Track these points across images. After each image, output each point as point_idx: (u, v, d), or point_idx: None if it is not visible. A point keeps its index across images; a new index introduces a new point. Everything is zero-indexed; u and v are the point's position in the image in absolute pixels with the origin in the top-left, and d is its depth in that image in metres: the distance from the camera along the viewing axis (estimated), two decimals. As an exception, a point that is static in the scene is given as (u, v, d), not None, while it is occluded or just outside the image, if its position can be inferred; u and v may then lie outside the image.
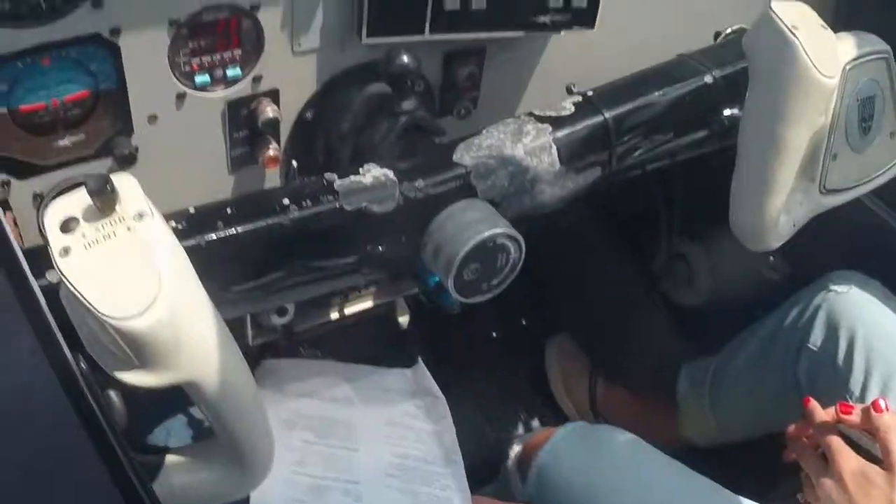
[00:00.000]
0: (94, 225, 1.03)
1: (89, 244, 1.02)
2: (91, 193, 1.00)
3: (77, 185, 1.42)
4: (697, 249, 2.34)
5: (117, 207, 1.03)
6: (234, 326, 1.73)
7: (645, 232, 2.41)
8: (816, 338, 1.86)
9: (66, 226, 1.03)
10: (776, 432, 1.65)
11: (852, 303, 1.85)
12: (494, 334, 2.56)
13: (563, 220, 1.67)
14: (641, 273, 2.45)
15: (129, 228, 1.02)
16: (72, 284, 0.99)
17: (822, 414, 1.52)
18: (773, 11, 1.42)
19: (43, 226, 1.05)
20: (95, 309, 0.98)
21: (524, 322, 2.60)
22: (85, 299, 0.98)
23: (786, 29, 1.41)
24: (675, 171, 1.85)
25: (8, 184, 1.43)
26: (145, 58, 1.42)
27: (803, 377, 1.88)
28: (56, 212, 1.05)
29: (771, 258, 2.17)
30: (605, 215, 2.42)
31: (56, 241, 1.02)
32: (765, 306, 2.07)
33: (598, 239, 2.48)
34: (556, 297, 2.54)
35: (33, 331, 0.98)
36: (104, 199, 1.01)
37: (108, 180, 1.00)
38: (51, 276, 1.17)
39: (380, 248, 1.44)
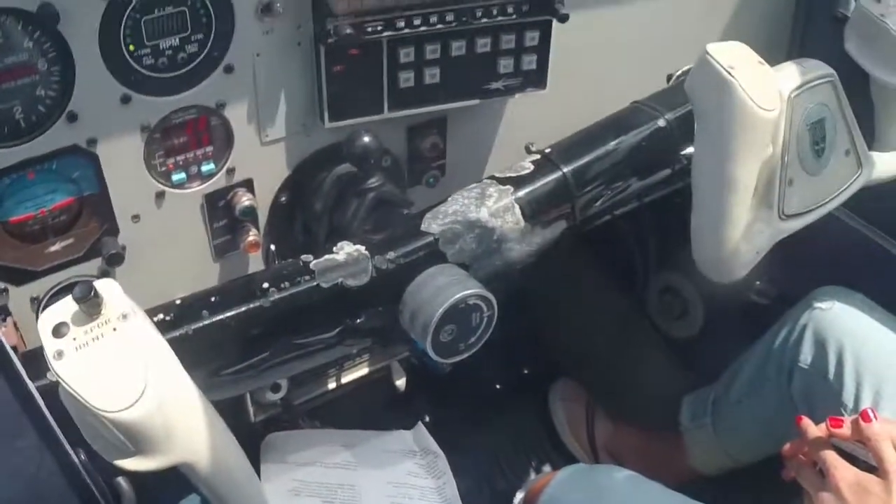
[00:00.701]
0: (82, 328, 1.10)
1: (80, 346, 1.09)
2: (77, 301, 1.07)
3: (70, 286, 1.51)
4: (686, 282, 2.38)
5: (103, 310, 1.10)
6: (236, 405, 1.81)
7: (634, 269, 2.44)
8: (806, 356, 1.89)
9: (58, 331, 1.10)
10: (780, 453, 1.66)
11: (837, 318, 1.88)
12: (498, 386, 2.59)
13: (551, 266, 1.71)
14: (635, 310, 2.48)
15: (114, 329, 1.09)
16: (68, 384, 1.06)
17: (815, 430, 1.54)
18: (709, 54, 1.47)
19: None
20: (90, 404, 1.05)
21: (525, 371, 2.63)
22: (80, 396, 1.05)
23: (722, 70, 1.46)
24: (648, 210, 1.88)
25: (6, 291, 1.51)
26: (123, 163, 1.51)
27: (798, 396, 1.91)
28: (48, 318, 1.12)
29: (757, 283, 2.20)
30: (594, 257, 2.45)
31: (50, 345, 1.09)
32: (757, 331, 2.09)
33: (590, 281, 2.51)
34: (555, 342, 2.57)
35: (35, 431, 1.05)
36: (90, 305, 1.08)
37: (92, 288, 1.07)
38: (51, 375, 1.21)
39: (359, 319, 1.50)
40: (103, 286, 1.11)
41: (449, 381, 2.32)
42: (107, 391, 1.06)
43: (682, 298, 2.45)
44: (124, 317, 1.10)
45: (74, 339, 1.10)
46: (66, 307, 1.12)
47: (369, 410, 2.12)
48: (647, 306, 2.48)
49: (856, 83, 1.75)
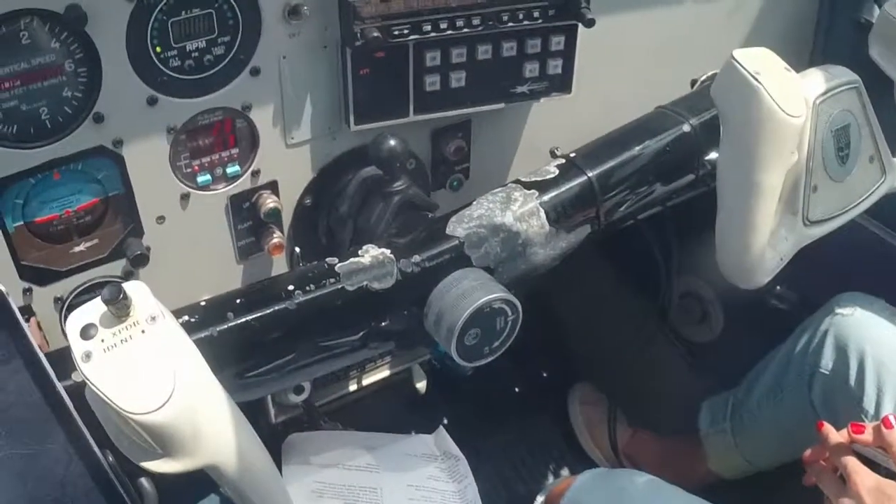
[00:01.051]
0: (111, 330, 1.10)
1: (108, 348, 1.09)
2: (106, 303, 1.08)
3: (94, 286, 1.52)
4: (706, 286, 2.38)
5: (131, 312, 1.10)
6: (258, 406, 1.81)
7: (654, 274, 2.44)
8: (827, 362, 1.89)
9: (86, 332, 1.10)
10: (800, 458, 1.66)
11: (858, 324, 1.88)
12: (517, 389, 2.60)
13: (572, 270, 1.71)
14: (656, 314, 2.48)
15: (143, 331, 1.09)
16: (95, 386, 1.07)
17: (836, 436, 1.54)
18: (736, 59, 1.47)
19: (65, 332, 1.13)
20: (118, 406, 1.05)
21: (545, 374, 2.64)
22: (108, 398, 1.06)
23: (749, 75, 1.46)
24: (669, 214, 1.89)
25: (30, 291, 1.52)
26: (148, 164, 1.52)
27: (819, 401, 1.91)
28: (76, 320, 1.12)
29: (778, 288, 2.20)
30: (614, 261, 2.46)
31: (78, 347, 1.09)
32: (777, 336, 2.09)
33: (610, 285, 2.52)
34: (574, 346, 2.58)
35: (63, 432, 1.06)
36: (118, 307, 1.08)
37: (121, 290, 1.08)
38: (76, 377, 1.21)
39: (383, 322, 1.50)
40: (132, 288, 1.12)
41: (468, 384, 2.33)
42: (135, 393, 1.06)
43: (702, 303, 2.45)
44: (153, 319, 1.11)
45: (102, 340, 1.10)
46: (94, 308, 1.12)
47: (389, 413, 2.13)
48: (668, 310, 2.47)
49: (880, 89, 1.74)
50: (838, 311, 1.91)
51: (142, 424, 1.06)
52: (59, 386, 1.09)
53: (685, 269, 2.35)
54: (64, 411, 1.07)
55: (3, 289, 1.11)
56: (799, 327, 2.01)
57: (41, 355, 1.11)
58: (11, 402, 1.08)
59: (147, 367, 1.08)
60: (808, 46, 2.08)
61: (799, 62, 1.92)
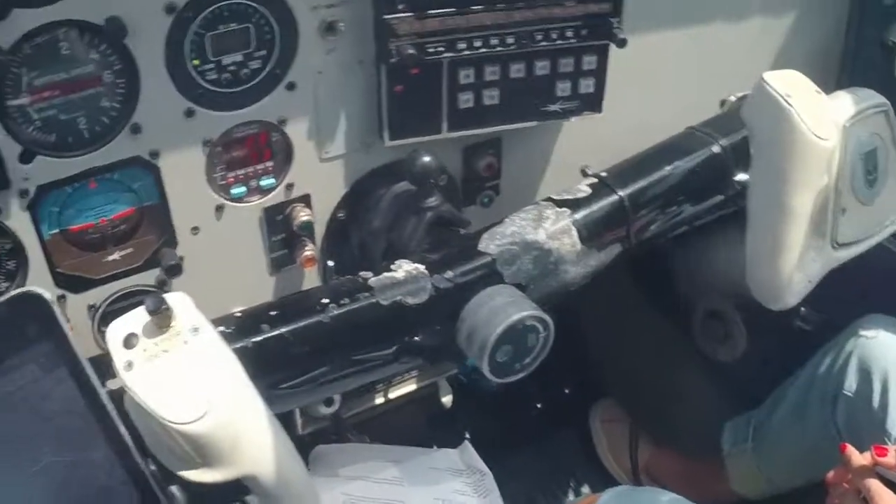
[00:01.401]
0: (153, 340, 1.12)
1: (150, 358, 1.11)
2: (150, 313, 1.10)
3: (127, 294, 1.53)
4: (730, 306, 2.38)
5: (173, 323, 1.12)
6: (284, 416, 1.82)
7: (678, 292, 2.45)
8: (851, 384, 1.88)
9: (128, 342, 1.13)
10: (822, 480, 1.65)
11: (882, 346, 1.87)
12: (539, 405, 2.60)
13: (597, 287, 1.72)
14: (680, 333, 2.48)
15: (185, 342, 1.12)
16: (137, 395, 1.09)
17: (859, 458, 1.53)
18: (766, 82, 1.49)
19: (105, 340, 1.15)
20: (160, 416, 1.07)
21: (567, 391, 2.64)
22: (150, 408, 1.08)
23: (780, 98, 1.48)
24: (696, 233, 1.88)
25: (63, 298, 1.54)
26: (184, 175, 1.53)
27: (842, 424, 1.90)
28: (118, 329, 1.14)
29: (802, 309, 2.19)
30: (638, 279, 2.46)
31: (119, 356, 1.12)
32: (800, 357, 2.08)
33: (634, 303, 2.52)
34: (597, 363, 2.58)
35: (106, 440, 1.08)
36: (161, 318, 1.10)
37: (164, 301, 1.09)
38: (111, 385, 1.24)
39: (416, 337, 1.51)
40: (175, 299, 1.13)
41: (491, 399, 2.34)
42: (176, 403, 1.08)
43: (726, 322, 2.44)
44: (195, 330, 1.13)
45: (144, 350, 1.12)
46: (136, 318, 1.14)
47: (414, 426, 2.13)
48: (692, 329, 2.47)
49: None
50: (862, 333, 1.90)
51: (182, 434, 1.08)
52: (104, 395, 1.11)
53: (709, 288, 2.36)
54: (107, 420, 1.08)
55: (49, 297, 1.13)
56: (823, 348, 2.00)
57: (86, 365, 1.12)
58: (56, 410, 1.10)
59: (188, 377, 1.10)
60: (835, 68, 2.09)
61: (826, 84, 1.91)
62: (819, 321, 2.17)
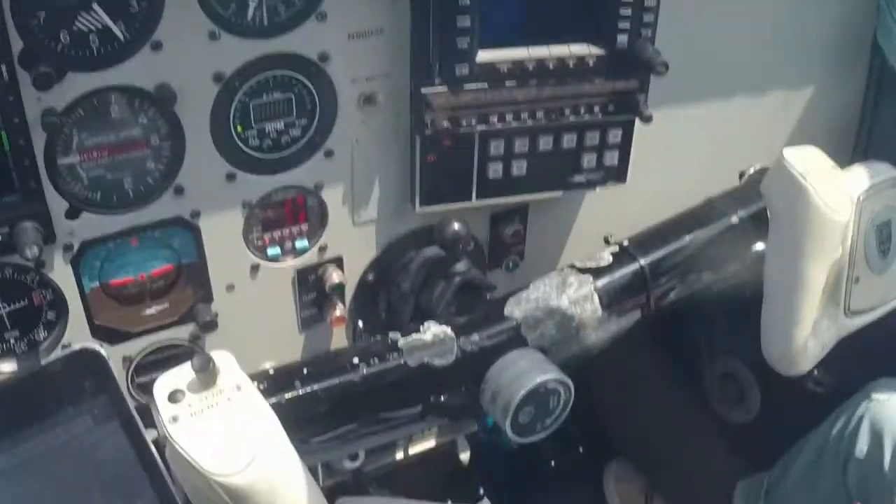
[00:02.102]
0: (198, 396, 1.18)
1: (195, 413, 1.17)
2: (196, 371, 1.15)
3: (162, 348, 1.56)
4: (744, 368, 2.40)
5: (218, 381, 1.18)
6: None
7: (693, 353, 2.47)
8: (862, 447, 1.90)
9: (174, 397, 1.18)
10: None
11: (895, 410, 1.88)
12: (554, 463, 2.61)
13: (614, 347, 1.76)
14: (693, 394, 2.50)
15: (228, 399, 1.17)
16: (182, 448, 1.14)
17: (871, 523, 1.56)
18: (786, 159, 1.53)
19: (137, 391, 1.19)
20: (203, 468, 1.13)
21: (581, 450, 2.65)
22: (194, 461, 1.13)
23: (798, 175, 1.51)
24: (713, 299, 1.91)
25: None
26: (223, 235, 1.58)
27: (854, 487, 1.92)
28: (164, 385, 1.20)
29: (815, 372, 2.21)
30: (655, 341, 2.48)
31: (165, 410, 1.17)
32: (813, 419, 2.10)
33: (650, 363, 2.54)
34: (612, 423, 2.60)
35: (153, 490, 1.13)
36: (207, 375, 1.16)
37: (210, 360, 1.15)
38: (149, 435, 1.27)
39: (442, 397, 1.57)
40: (220, 358, 1.19)
41: (508, 456, 2.36)
42: (218, 456, 1.14)
43: (740, 384, 2.46)
44: (239, 388, 1.18)
45: (189, 405, 1.18)
46: (181, 374, 1.20)
47: (432, 481, 2.16)
48: (706, 390, 2.49)
49: None
50: (875, 396, 1.92)
51: (224, 486, 1.13)
52: (152, 447, 1.16)
53: (724, 350, 2.38)
54: (155, 471, 1.14)
55: (103, 352, 1.19)
56: (835, 411, 2.02)
57: (137, 417, 1.18)
58: (107, 459, 1.15)
59: (231, 431, 1.16)
60: (852, 139, 2.12)
61: (843, 154, 1.96)
62: (832, 383, 2.19)
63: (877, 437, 1.87)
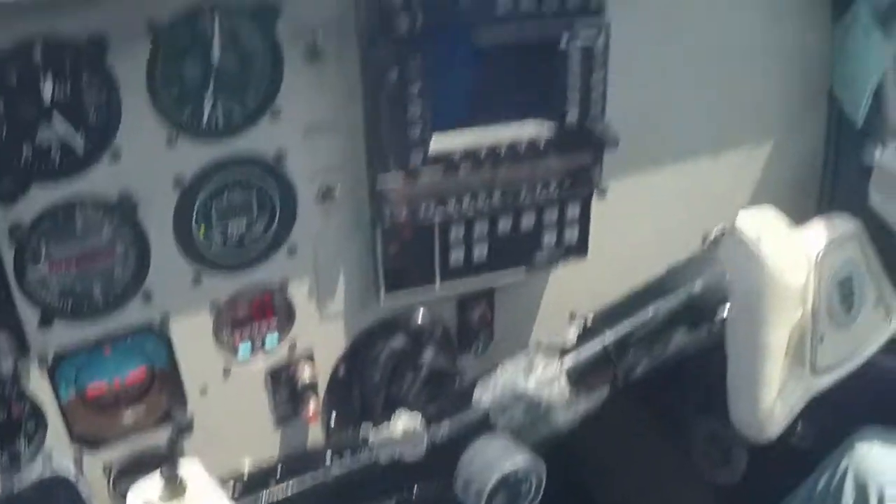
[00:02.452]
0: (169, 505, 1.19)
1: (166, 523, 1.18)
2: (165, 480, 1.17)
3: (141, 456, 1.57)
4: (729, 429, 2.40)
5: (188, 489, 1.19)
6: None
7: (677, 418, 2.47)
8: (848, 500, 1.89)
9: (147, 507, 1.19)
10: None
11: (877, 461, 1.88)
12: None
13: (599, 423, 1.78)
14: (680, 458, 2.50)
15: (199, 506, 1.18)
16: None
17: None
18: (738, 227, 1.55)
19: (119, 498, 1.20)
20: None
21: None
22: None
23: (750, 242, 1.53)
24: (690, 362, 1.94)
25: (80, 458, 1.57)
26: (192, 338, 1.60)
27: None
28: (136, 496, 1.21)
29: (798, 428, 2.22)
30: (637, 404, 2.48)
31: (139, 519, 1.18)
32: (799, 474, 2.09)
33: (632, 428, 2.54)
34: (595, 488, 2.59)
35: None
36: (176, 486, 1.17)
37: (176, 471, 1.16)
38: None
39: (415, 489, 1.58)
40: (188, 466, 1.20)
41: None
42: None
43: (725, 445, 2.46)
44: (207, 495, 1.19)
45: None
46: (153, 485, 1.21)
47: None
48: (691, 454, 2.49)
49: (886, 230, 1.80)
50: (857, 448, 1.92)
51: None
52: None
53: (708, 413, 2.38)
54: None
55: (72, 479, 1.20)
56: (820, 466, 2.01)
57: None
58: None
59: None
60: (815, 191, 2.12)
61: (807, 206, 1.97)
62: (815, 436, 2.18)
63: (861, 490, 1.87)
